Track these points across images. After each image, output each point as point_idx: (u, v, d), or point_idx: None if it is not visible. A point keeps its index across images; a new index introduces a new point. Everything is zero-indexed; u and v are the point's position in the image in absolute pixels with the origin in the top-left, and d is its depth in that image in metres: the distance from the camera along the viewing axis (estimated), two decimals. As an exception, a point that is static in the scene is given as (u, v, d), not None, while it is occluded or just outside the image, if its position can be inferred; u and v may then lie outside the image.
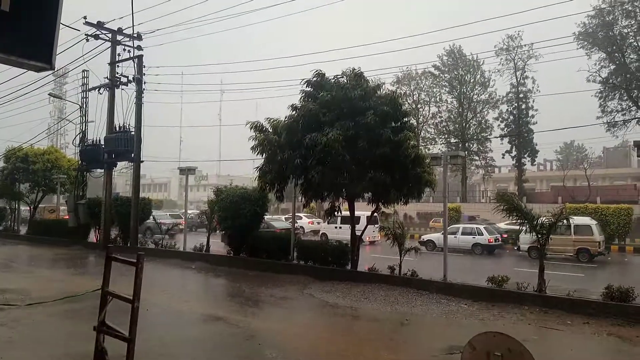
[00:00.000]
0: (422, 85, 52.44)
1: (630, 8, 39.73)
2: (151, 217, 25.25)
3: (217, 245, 19.49)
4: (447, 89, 51.40)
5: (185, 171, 19.88)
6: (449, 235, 16.55)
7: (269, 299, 12.02)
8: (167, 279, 15.54)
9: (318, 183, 13.11)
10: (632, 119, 41.07)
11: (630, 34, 40.35)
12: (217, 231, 19.58)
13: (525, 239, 19.78)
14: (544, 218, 11.41)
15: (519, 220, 11.94)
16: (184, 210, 22.14)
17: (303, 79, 14.33)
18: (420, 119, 52.24)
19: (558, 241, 18.56)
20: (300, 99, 14.29)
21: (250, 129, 14.61)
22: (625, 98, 41.59)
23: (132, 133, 21.59)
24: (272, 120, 14.60)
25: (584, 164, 48.47)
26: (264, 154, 14.33)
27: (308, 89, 14.22)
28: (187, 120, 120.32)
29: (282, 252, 16.41)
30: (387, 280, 13.31)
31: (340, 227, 24.89)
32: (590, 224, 20.33)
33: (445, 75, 51.06)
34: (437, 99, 52.08)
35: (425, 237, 24.97)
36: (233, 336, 8.38)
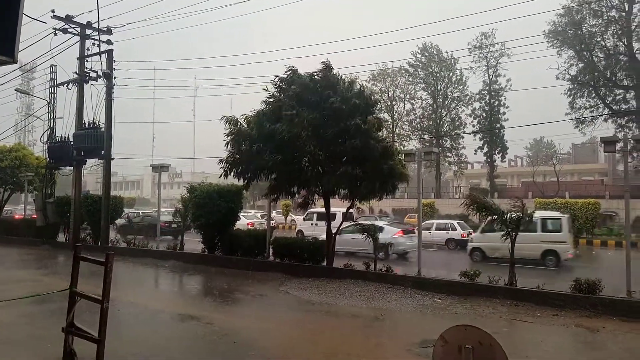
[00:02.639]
0: (397, 82, 52.92)
1: (597, 8, 40.94)
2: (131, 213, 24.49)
3: (192, 244, 19.25)
4: (422, 86, 52.00)
5: (158, 168, 19.54)
6: (423, 231, 16.65)
7: (244, 296, 11.95)
8: (140, 279, 15.31)
9: (279, 175, 13.21)
10: (600, 116, 42.42)
11: (597, 33, 41.58)
12: (192, 229, 19.35)
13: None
14: (513, 214, 11.65)
15: (489, 217, 12.18)
16: (157, 209, 21.76)
17: (276, 76, 14.35)
18: (395, 116, 52.77)
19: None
20: (273, 93, 14.29)
21: (225, 123, 14.57)
22: (593, 95, 42.87)
23: (102, 129, 21.11)
24: (246, 116, 14.59)
25: (553, 160, 49.69)
26: (235, 148, 14.31)
27: (281, 84, 14.22)
28: (161, 116, 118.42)
29: (257, 249, 16.33)
30: (362, 276, 13.39)
31: (316, 224, 24.95)
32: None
33: (420, 72, 51.62)
34: (412, 95, 52.67)
35: None
36: (207, 335, 8.30)
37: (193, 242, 19.33)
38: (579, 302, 10.05)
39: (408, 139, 51.82)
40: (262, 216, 32.85)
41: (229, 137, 14.34)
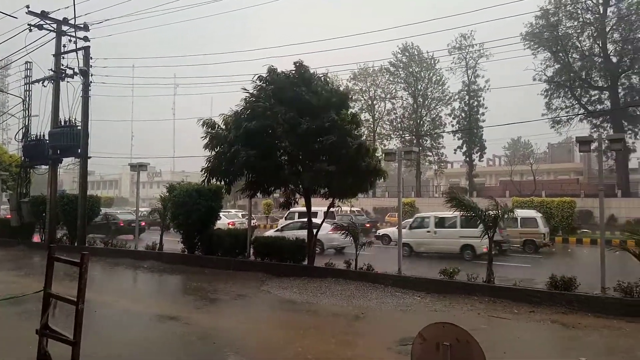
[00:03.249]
0: (378, 82, 53.19)
1: (573, 10, 41.85)
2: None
3: (171, 244, 19.04)
4: (402, 86, 52.36)
5: (137, 167, 19.26)
6: (403, 229, 16.88)
7: (224, 296, 11.87)
8: (117, 279, 15.07)
9: (256, 172, 13.18)
10: (575, 116, 43.37)
11: (573, 34, 42.49)
12: (171, 229, 19.13)
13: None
14: (491, 212, 11.83)
15: (468, 215, 12.36)
16: (135, 208, 21.46)
17: (256, 74, 14.31)
18: (376, 115, 53.05)
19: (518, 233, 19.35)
20: (252, 93, 14.21)
21: (202, 126, 14.42)
22: (569, 96, 43.80)
23: (79, 128, 20.69)
24: (225, 115, 14.48)
25: (530, 159, 50.69)
26: (214, 150, 14.21)
27: (261, 84, 14.17)
28: (140, 114, 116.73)
29: (238, 248, 16.24)
30: (343, 275, 13.43)
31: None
32: (536, 217, 21.36)
33: (401, 72, 51.99)
34: (393, 95, 53.00)
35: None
36: (186, 335, 8.21)
37: (172, 242, 19.11)
38: (555, 298, 10.26)
39: (389, 138, 52.18)
40: (243, 215, 32.64)
41: (209, 145, 14.19)
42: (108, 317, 9.40)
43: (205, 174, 14.57)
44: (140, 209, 22.35)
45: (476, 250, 17.57)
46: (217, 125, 14.48)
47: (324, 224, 20.21)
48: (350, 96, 15.36)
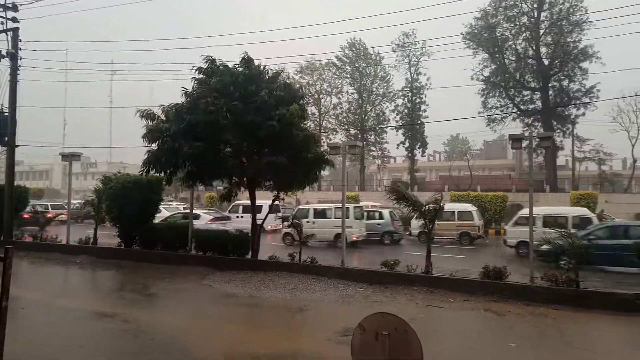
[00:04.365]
0: (324, 76, 53.39)
1: (511, 13, 43.96)
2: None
3: (107, 238, 18.22)
4: (348, 81, 52.90)
5: (69, 157, 18.19)
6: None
7: (163, 291, 11.52)
8: (48, 275, 14.23)
9: (197, 162, 12.90)
10: (509, 115, 45.71)
11: (510, 37, 44.68)
12: (107, 222, 18.29)
13: (415, 225, 21.25)
14: (430, 205, 12.23)
15: (409, 208, 12.72)
16: (67, 200, 20.32)
17: (194, 66, 13.87)
18: (322, 109, 53.29)
19: (444, 226, 20.33)
20: (193, 86, 13.79)
21: (141, 117, 13.78)
22: (504, 96, 46.08)
23: (6, 114, 19.25)
24: (165, 107, 13.92)
25: (467, 155, 52.86)
26: (153, 143, 13.66)
27: (200, 75, 13.78)
28: (74, 102, 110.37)
29: (179, 242, 15.79)
30: (287, 268, 13.42)
31: (241, 216, 24.67)
32: (471, 210, 22.38)
33: (347, 67, 52.48)
34: (339, 90, 53.41)
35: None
36: (122, 333, 7.90)
37: (108, 237, 18.30)
38: (487, 287, 10.80)
39: (334, 132, 52.60)
40: (185, 208, 31.79)
41: (148, 136, 13.54)
42: (36, 315, 8.86)
43: (146, 167, 14.01)
44: (73, 201, 21.22)
45: (347, 239, 18.43)
46: (156, 117, 13.91)
47: (204, 214, 22.25)
48: (302, 93, 15.23)
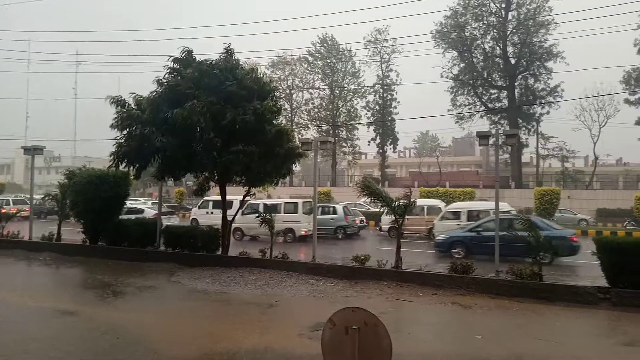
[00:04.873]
0: (296, 71, 53.26)
1: (479, 12, 44.84)
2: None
3: (72, 234, 17.70)
4: (320, 77, 52.90)
5: (31, 151, 17.58)
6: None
7: (130, 289, 11.27)
8: (8, 272, 13.77)
9: (170, 158, 12.68)
10: (477, 112, 46.73)
11: (478, 36, 45.58)
12: (71, 218, 17.76)
13: (386, 220, 21.49)
14: (400, 201, 12.38)
15: (380, 203, 12.84)
16: (29, 195, 19.62)
17: (171, 56, 13.62)
18: (294, 105, 53.18)
19: (413, 221, 20.61)
20: (166, 74, 13.53)
21: (111, 104, 13.46)
22: (472, 94, 47.06)
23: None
24: (136, 95, 13.62)
25: (437, 152, 53.80)
26: (123, 131, 13.32)
27: (175, 65, 13.53)
28: (38, 93, 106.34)
29: (147, 239, 15.48)
30: (258, 264, 13.36)
31: (212, 212, 24.36)
32: (440, 206, 22.79)
33: (319, 62, 52.47)
34: (311, 85, 53.38)
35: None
36: (88, 331, 7.70)
37: (73, 233, 17.78)
38: (455, 281, 11.03)
39: (306, 128, 52.60)
40: (153, 204, 31.19)
41: (118, 122, 13.21)
42: (-4, 314, 8.54)
43: (114, 158, 13.64)
44: (35, 196, 20.52)
45: (296, 233, 20.40)
46: (127, 104, 13.58)
47: (148, 209, 22.65)
48: (274, 87, 15.11)
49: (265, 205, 21.17)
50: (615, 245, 9.92)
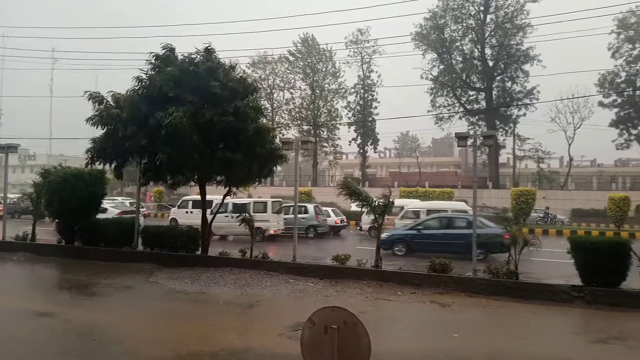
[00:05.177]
0: (277, 71, 53.08)
1: (459, 14, 45.42)
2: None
3: (47, 234, 17.32)
4: (301, 76, 52.83)
5: (5, 149, 17.12)
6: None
7: (108, 289, 11.10)
8: (-20, 274, 13.39)
9: (165, 166, 12.40)
10: (456, 114, 47.32)
11: (457, 38, 46.16)
12: (46, 218, 17.38)
13: (366, 220, 21.63)
14: (380, 200, 12.47)
15: (361, 203, 12.91)
16: (3, 195, 19.12)
17: (151, 52, 13.43)
18: (275, 104, 53.00)
19: (393, 221, 20.79)
20: (147, 72, 13.32)
21: (89, 100, 13.16)
22: (451, 95, 47.62)
23: None
24: (115, 93, 13.36)
25: (416, 152, 54.28)
26: (101, 128, 13.05)
27: (156, 62, 13.33)
28: (12, 91, 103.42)
29: (124, 239, 15.25)
30: (238, 264, 13.28)
31: (191, 212, 24.12)
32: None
33: (300, 62, 52.39)
34: (292, 85, 53.26)
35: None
36: (64, 332, 7.55)
37: (48, 233, 17.41)
38: (433, 280, 11.16)
39: (287, 127, 52.47)
40: (131, 204, 30.75)
41: (96, 120, 12.90)
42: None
43: (90, 155, 13.37)
44: (9, 195, 20.01)
45: (265, 232, 20.44)
46: (106, 101, 13.30)
47: (112, 208, 22.29)
48: (256, 86, 15.01)
49: (234, 204, 21.01)
50: (588, 245, 10.17)
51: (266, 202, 21.88)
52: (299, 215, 22.67)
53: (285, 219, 22.18)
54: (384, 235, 17.00)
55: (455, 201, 25.33)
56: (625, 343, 7.74)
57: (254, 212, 19.56)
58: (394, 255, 15.95)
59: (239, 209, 20.60)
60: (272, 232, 20.86)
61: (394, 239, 16.70)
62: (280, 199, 25.12)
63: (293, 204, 24.14)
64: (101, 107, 13.06)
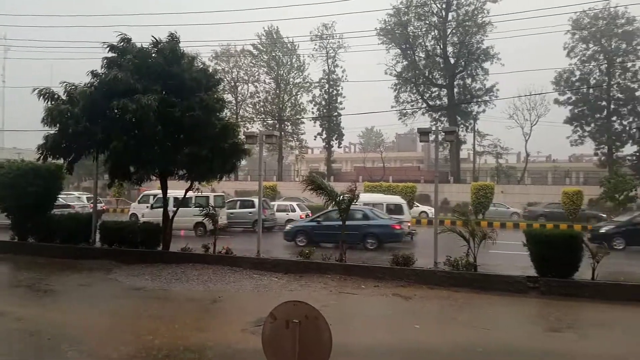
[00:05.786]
0: (241, 64, 52.41)
1: (422, 12, 46.09)
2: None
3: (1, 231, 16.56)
4: (265, 70, 52.37)
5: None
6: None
7: (63, 287, 10.72)
8: None
9: (124, 158, 12.03)
10: (419, 110, 48.12)
11: (420, 35, 46.84)
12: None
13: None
14: (344, 195, 12.57)
15: (325, 197, 12.96)
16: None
17: (105, 42, 12.89)
18: (239, 98, 52.38)
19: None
20: (102, 65, 12.79)
21: (39, 98, 12.44)
22: (414, 91, 48.34)
23: None
24: (69, 85, 12.74)
25: (381, 147, 54.88)
26: (54, 126, 12.45)
27: (112, 54, 12.83)
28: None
29: (81, 235, 14.74)
30: (201, 260, 13.10)
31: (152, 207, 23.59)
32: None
33: (264, 55, 51.89)
34: (256, 78, 52.74)
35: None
36: (16, 332, 7.25)
37: (0, 229, 16.63)
38: (396, 273, 11.35)
39: (252, 121, 51.96)
40: (88, 199, 29.77)
41: (47, 119, 12.18)
42: None
43: (42, 152, 12.78)
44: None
45: (206, 227, 19.82)
46: (57, 96, 12.68)
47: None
48: (219, 78, 14.75)
49: (175, 198, 19.55)
50: (543, 238, 10.59)
51: (208, 196, 21.41)
52: (246, 210, 23.09)
53: (231, 213, 22.67)
54: (287, 227, 18.25)
55: (392, 195, 26.25)
56: (577, 331, 8.11)
57: (195, 207, 18.40)
58: (297, 246, 16.35)
59: (181, 204, 19.58)
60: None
61: (296, 231, 17.44)
62: (223, 194, 25.71)
63: (237, 199, 24.33)
64: (53, 103, 12.43)
